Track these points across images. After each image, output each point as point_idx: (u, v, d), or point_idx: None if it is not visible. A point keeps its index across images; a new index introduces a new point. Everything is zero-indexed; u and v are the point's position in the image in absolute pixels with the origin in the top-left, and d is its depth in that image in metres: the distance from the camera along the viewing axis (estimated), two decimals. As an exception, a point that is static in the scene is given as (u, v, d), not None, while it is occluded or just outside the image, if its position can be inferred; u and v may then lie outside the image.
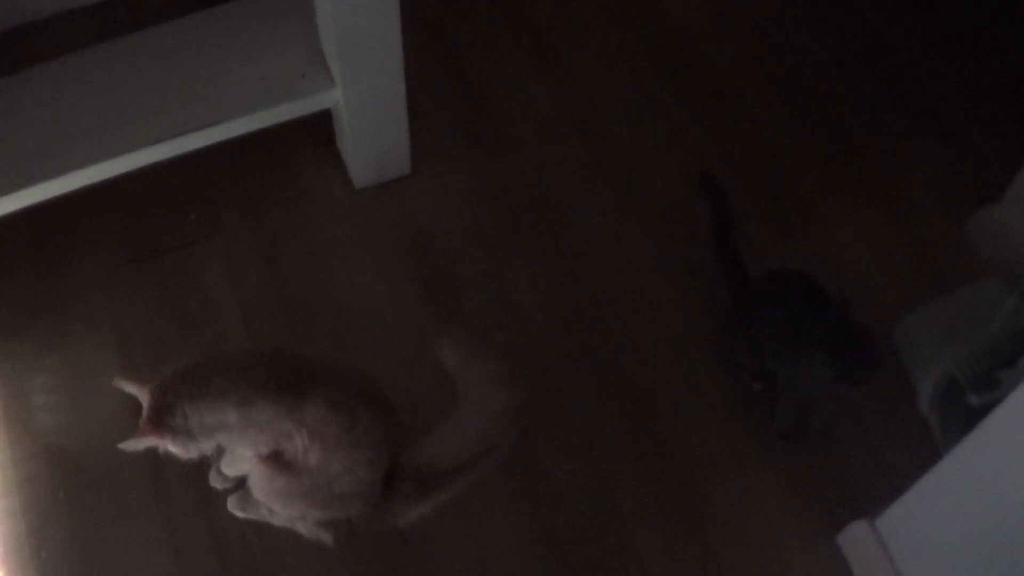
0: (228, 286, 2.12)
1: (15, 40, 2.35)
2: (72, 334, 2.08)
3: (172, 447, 1.56)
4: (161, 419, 1.53)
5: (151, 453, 1.87)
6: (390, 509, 1.75)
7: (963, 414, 1.82)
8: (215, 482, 1.89)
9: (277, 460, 1.64)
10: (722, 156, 2.27)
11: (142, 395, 1.57)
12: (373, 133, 2.11)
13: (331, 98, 2.00)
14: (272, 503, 1.75)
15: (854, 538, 1.83)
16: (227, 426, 1.56)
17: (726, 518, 1.90)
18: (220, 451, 1.69)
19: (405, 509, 1.75)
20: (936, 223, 2.18)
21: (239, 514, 1.87)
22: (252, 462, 1.69)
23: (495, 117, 2.33)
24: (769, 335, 1.88)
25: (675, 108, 2.35)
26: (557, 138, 2.30)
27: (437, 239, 2.17)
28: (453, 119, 2.32)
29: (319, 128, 2.20)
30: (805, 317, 1.79)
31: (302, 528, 1.79)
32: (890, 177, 2.25)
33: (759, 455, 1.95)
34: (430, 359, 1.81)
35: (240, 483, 1.84)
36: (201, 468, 1.88)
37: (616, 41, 2.45)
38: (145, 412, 1.55)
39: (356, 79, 1.96)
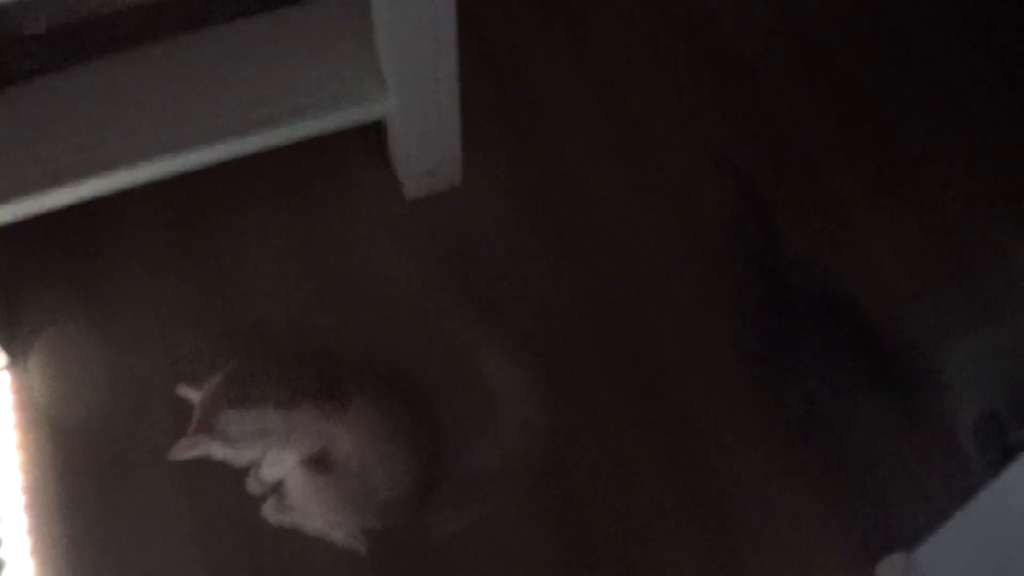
0: (275, 289, 2.13)
1: (74, 35, 2.37)
2: (117, 332, 2.10)
3: (221, 453, 1.57)
4: (206, 425, 1.55)
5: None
6: (427, 519, 1.75)
7: (1003, 447, 1.82)
8: (253, 487, 1.90)
9: (319, 463, 1.65)
10: (756, 160, 2.26)
11: None
12: (425, 143, 2.12)
13: (385, 107, 2.01)
14: (311, 507, 1.76)
15: (892, 570, 1.82)
16: (271, 430, 1.57)
17: (761, 542, 1.89)
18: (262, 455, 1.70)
19: (442, 519, 1.76)
20: (967, 227, 2.16)
21: (274, 519, 1.88)
22: (292, 465, 1.70)
23: (545, 130, 2.33)
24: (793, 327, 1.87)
25: (706, 101, 2.34)
26: (607, 152, 2.30)
27: (484, 249, 2.17)
28: (504, 131, 2.32)
29: (371, 136, 2.21)
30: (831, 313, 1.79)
31: (337, 535, 1.80)
32: (937, 197, 2.22)
33: (798, 479, 1.94)
34: (471, 369, 1.82)
35: (277, 487, 1.85)
36: (237, 473, 1.89)
37: (670, 58, 2.44)
38: (194, 419, 1.57)
39: (410, 88, 1.97)
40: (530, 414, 1.78)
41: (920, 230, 2.17)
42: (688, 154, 2.28)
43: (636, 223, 2.21)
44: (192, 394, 1.60)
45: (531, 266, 2.16)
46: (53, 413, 2.03)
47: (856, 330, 1.82)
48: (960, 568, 1.68)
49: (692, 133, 2.30)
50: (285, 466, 1.73)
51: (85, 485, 1.96)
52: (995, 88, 2.34)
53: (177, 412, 1.65)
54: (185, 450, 1.57)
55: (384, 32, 1.88)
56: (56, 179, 1.91)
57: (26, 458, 1.99)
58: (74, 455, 1.99)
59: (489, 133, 2.31)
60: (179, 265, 2.17)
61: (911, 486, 1.93)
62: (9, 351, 2.06)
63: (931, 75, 2.37)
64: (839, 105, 2.33)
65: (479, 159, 2.25)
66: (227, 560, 1.89)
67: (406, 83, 1.96)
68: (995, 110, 2.31)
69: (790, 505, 1.92)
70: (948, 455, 1.95)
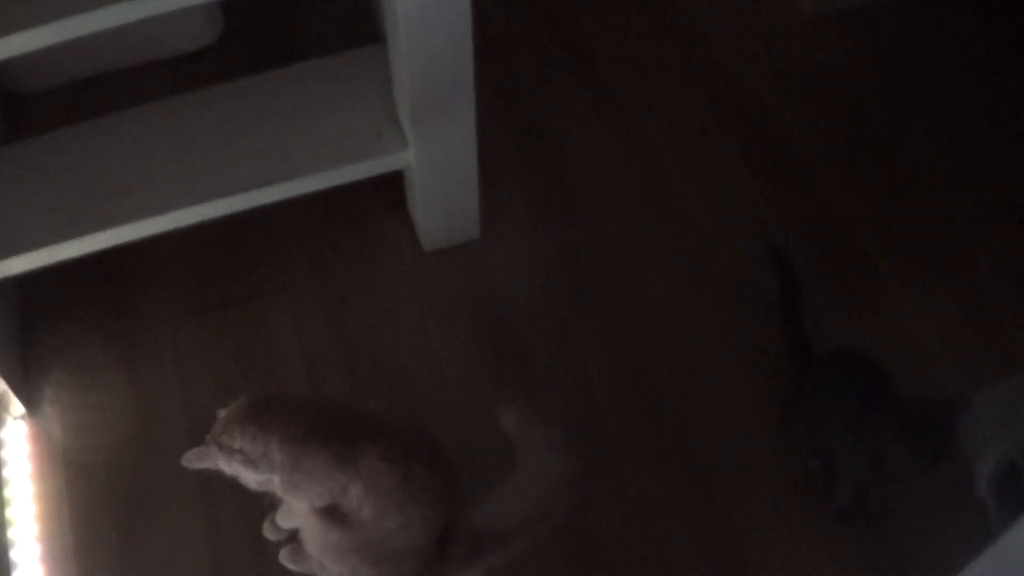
0: (294, 339, 2.14)
1: (97, 87, 2.41)
2: (137, 378, 2.11)
3: (229, 469, 1.57)
4: (218, 438, 1.55)
5: (208, 497, 1.90)
6: (443, 570, 1.74)
7: (1022, 498, 1.80)
8: (268, 533, 1.90)
9: (332, 513, 1.65)
10: (793, 231, 2.26)
11: None
12: (444, 196, 2.14)
13: (404, 159, 2.03)
14: (324, 557, 1.75)
15: (908, 620, 1.81)
16: (273, 462, 1.56)
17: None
18: (277, 500, 1.70)
19: (458, 570, 1.74)
20: (1006, 305, 2.16)
21: (291, 567, 1.88)
22: (305, 514, 1.70)
23: (567, 184, 2.35)
24: (830, 413, 1.87)
25: (749, 182, 2.35)
26: (627, 208, 2.31)
27: (503, 304, 2.18)
28: (525, 185, 2.34)
29: (391, 189, 2.23)
30: (867, 397, 1.78)
31: (354, 585, 1.79)
32: (960, 257, 2.23)
33: (818, 535, 1.93)
34: (490, 422, 1.82)
35: (293, 535, 1.85)
36: (255, 517, 1.89)
37: (692, 112, 2.45)
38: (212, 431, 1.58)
39: (429, 142, 1.99)
40: (552, 469, 1.77)
41: (955, 307, 2.18)
42: (725, 227, 2.29)
43: (655, 280, 2.22)
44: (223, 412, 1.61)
45: (549, 319, 2.16)
46: (70, 459, 2.04)
47: (873, 381, 1.82)
48: (977, 620, 1.67)
49: (731, 210, 2.31)
50: (299, 515, 1.73)
51: (101, 531, 1.96)
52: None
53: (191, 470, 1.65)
54: (196, 459, 1.57)
55: (403, 85, 1.90)
56: (76, 229, 1.93)
57: (42, 508, 1.99)
58: (90, 501, 1.99)
59: (511, 192, 2.33)
60: (199, 315, 2.18)
61: (930, 536, 1.91)
62: (25, 399, 2.07)
63: (976, 164, 2.38)
64: (886, 193, 2.33)
65: (499, 215, 2.27)
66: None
67: (425, 136, 1.97)
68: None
69: (809, 559, 1.91)
70: (966, 507, 1.94)
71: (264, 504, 1.76)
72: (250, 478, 1.60)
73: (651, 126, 2.43)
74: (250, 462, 1.57)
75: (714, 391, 2.08)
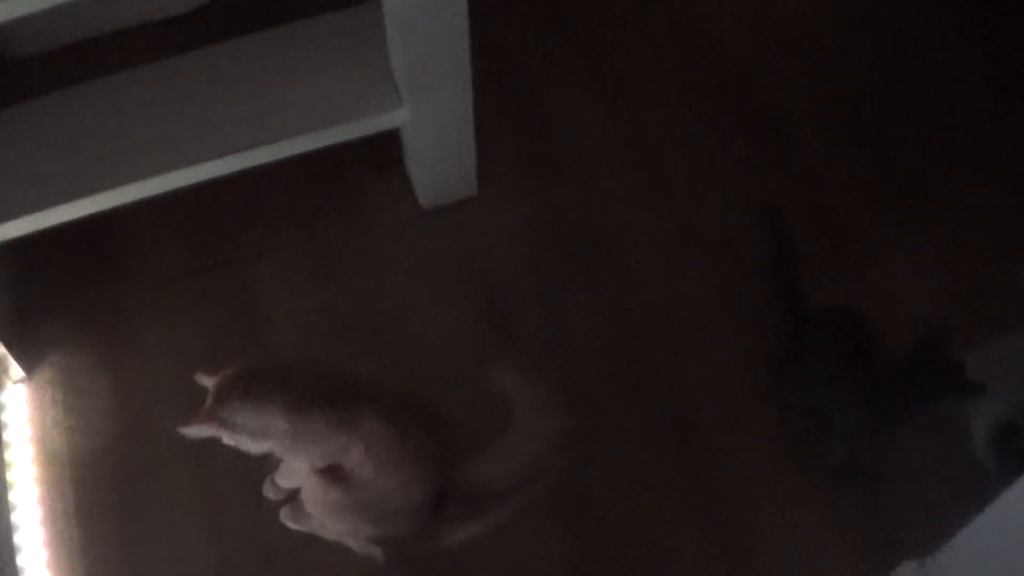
0: (285, 301, 2.15)
1: (85, 51, 2.40)
2: (127, 344, 2.12)
3: (228, 440, 1.58)
4: (214, 412, 1.55)
5: (204, 461, 1.91)
6: (440, 528, 1.75)
7: (1019, 458, 1.81)
8: (268, 493, 1.91)
9: (333, 473, 1.66)
10: (781, 191, 2.26)
11: None
12: (440, 153, 2.13)
13: (399, 117, 2.02)
14: (324, 516, 1.77)
15: (904, 578, 1.81)
16: (276, 432, 1.57)
17: (772, 556, 1.89)
18: (277, 461, 1.71)
19: (454, 529, 1.76)
20: (996, 264, 2.16)
21: (291, 525, 1.89)
22: (306, 474, 1.70)
23: (557, 146, 2.34)
24: (819, 370, 1.87)
25: (736, 143, 2.34)
26: (617, 169, 2.31)
27: (496, 263, 2.18)
28: (515, 147, 2.33)
29: (386, 147, 2.22)
30: (856, 352, 1.79)
31: (353, 543, 1.80)
32: (950, 217, 2.23)
33: (808, 493, 1.94)
34: (483, 382, 1.82)
35: (293, 494, 1.86)
36: (254, 478, 1.90)
37: (681, 74, 2.45)
38: (206, 403, 1.58)
39: (424, 99, 1.98)
40: (545, 428, 1.78)
41: (944, 266, 2.17)
42: (712, 189, 2.29)
43: (643, 240, 2.22)
44: (207, 381, 1.60)
45: (540, 279, 2.16)
46: (69, 422, 2.05)
47: (884, 371, 1.82)
48: (973, 576, 1.67)
49: (718, 171, 2.31)
50: (300, 475, 1.74)
51: (101, 493, 1.98)
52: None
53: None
54: (194, 431, 1.57)
55: (397, 43, 1.89)
56: (65, 194, 1.92)
57: (42, 471, 2.00)
58: (89, 463, 2.01)
59: (507, 147, 2.32)
60: (190, 278, 2.18)
61: (925, 495, 1.92)
62: (24, 363, 2.07)
63: (964, 126, 2.37)
64: (873, 153, 2.33)
65: (496, 171, 2.26)
66: (242, 563, 1.90)
67: (420, 94, 1.97)
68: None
69: (799, 519, 1.92)
70: (962, 466, 1.94)
71: (263, 465, 1.77)
72: (251, 446, 1.60)
73: (640, 88, 2.42)
74: (252, 434, 1.57)
75: (703, 351, 2.08)
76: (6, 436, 2.03)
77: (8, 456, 2.01)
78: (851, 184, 2.28)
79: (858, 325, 1.87)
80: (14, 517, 1.96)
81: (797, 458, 1.96)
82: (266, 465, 1.77)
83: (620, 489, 1.95)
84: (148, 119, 2.00)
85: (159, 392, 2.05)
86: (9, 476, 1.99)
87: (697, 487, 1.95)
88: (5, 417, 2.05)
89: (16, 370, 2.06)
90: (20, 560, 1.92)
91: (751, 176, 2.29)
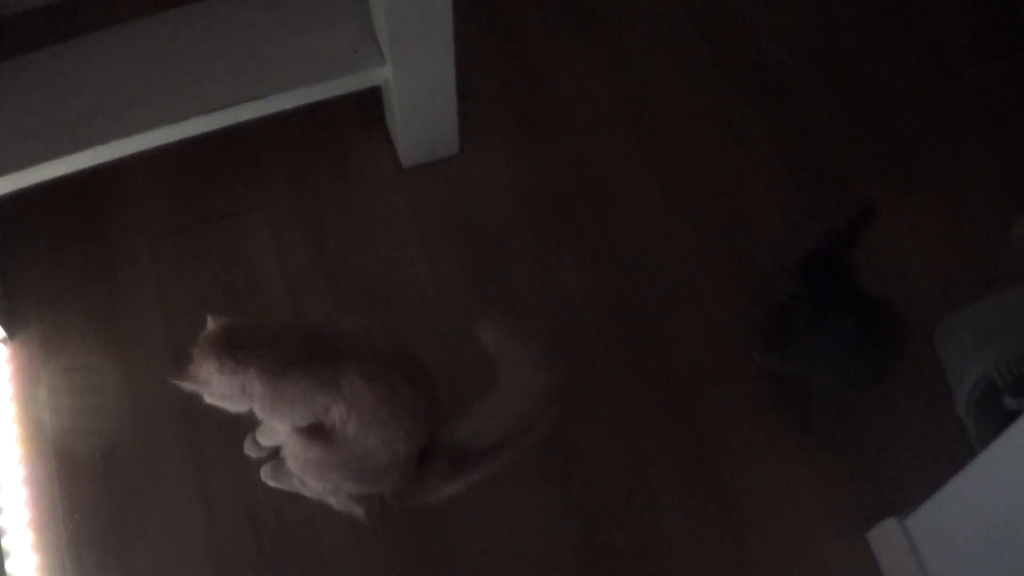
0: (273, 257, 2.14)
1: (72, 8, 2.37)
2: (117, 300, 2.11)
3: (208, 400, 1.58)
4: (189, 373, 1.55)
5: (190, 422, 1.90)
6: (424, 485, 1.75)
7: (1000, 417, 1.82)
8: (249, 450, 1.91)
9: (314, 431, 1.65)
10: (774, 149, 2.26)
11: None
12: (422, 112, 2.12)
13: (381, 75, 2.01)
14: (306, 474, 1.76)
15: (884, 536, 1.83)
16: (252, 394, 1.56)
17: (758, 509, 1.91)
18: (257, 420, 1.71)
19: (438, 486, 1.76)
20: (985, 223, 2.17)
21: (272, 483, 1.89)
22: (287, 433, 1.70)
23: (546, 101, 2.33)
24: (799, 316, 1.87)
25: (728, 99, 2.34)
26: (606, 123, 2.30)
27: (482, 219, 2.18)
28: (504, 101, 2.32)
29: (369, 105, 2.21)
30: (830, 294, 1.80)
31: (334, 501, 1.80)
32: (941, 175, 2.23)
33: (795, 448, 1.95)
34: (471, 338, 1.82)
35: (275, 452, 1.85)
36: (239, 438, 1.90)
37: (673, 30, 2.44)
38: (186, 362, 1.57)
39: (406, 57, 1.97)
40: (531, 385, 1.77)
41: (937, 225, 2.18)
42: (706, 144, 2.29)
43: (634, 196, 2.22)
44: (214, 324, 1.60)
45: (528, 234, 2.16)
46: (52, 381, 2.04)
47: (871, 318, 1.82)
48: (951, 536, 1.68)
49: (712, 127, 2.31)
50: (281, 433, 1.73)
51: (84, 453, 1.97)
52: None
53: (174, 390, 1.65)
54: (179, 387, 1.56)
55: (379, 2, 1.88)
56: (53, 151, 1.91)
57: (24, 431, 1.99)
58: (72, 423, 2.00)
59: (490, 108, 2.31)
60: (178, 234, 2.17)
61: (906, 453, 1.93)
62: (6, 323, 2.06)
63: (959, 81, 2.37)
64: (867, 111, 2.33)
65: (478, 131, 2.25)
66: (227, 522, 1.90)
67: (402, 51, 1.95)
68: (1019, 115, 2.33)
69: (786, 473, 1.93)
70: (944, 424, 1.96)
71: (245, 423, 1.77)
72: (229, 406, 1.60)
73: (631, 43, 2.42)
74: (228, 396, 1.57)
75: (693, 306, 2.09)
76: (-12, 396, 2.03)
77: (-10, 416, 2.00)
78: (847, 142, 2.29)
79: (827, 264, 1.85)
80: (-5, 475, 1.95)
81: (785, 413, 1.98)
82: (247, 423, 1.77)
83: (609, 444, 1.96)
84: (135, 76, 1.98)
85: (148, 346, 2.05)
86: (-10, 435, 1.99)
87: (689, 440, 1.96)
88: (-13, 376, 2.05)
89: (-2, 329, 2.05)
90: (2, 520, 1.92)
91: (744, 131, 2.29)
